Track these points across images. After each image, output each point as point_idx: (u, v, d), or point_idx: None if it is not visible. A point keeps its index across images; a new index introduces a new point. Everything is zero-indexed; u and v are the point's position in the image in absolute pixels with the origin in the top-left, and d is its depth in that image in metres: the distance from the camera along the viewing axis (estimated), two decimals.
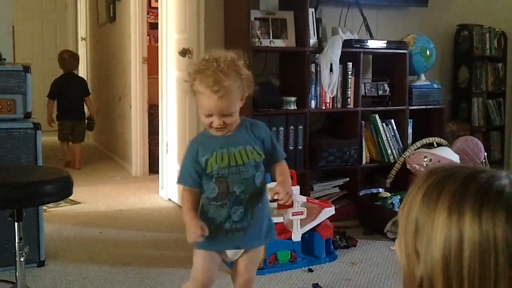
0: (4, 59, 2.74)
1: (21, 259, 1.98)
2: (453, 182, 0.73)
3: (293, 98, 3.30)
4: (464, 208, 0.71)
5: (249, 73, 1.74)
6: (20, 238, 1.99)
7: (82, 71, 7.47)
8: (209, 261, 1.80)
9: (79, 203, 3.93)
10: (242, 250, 1.82)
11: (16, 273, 1.98)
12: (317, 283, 2.49)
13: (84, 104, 5.33)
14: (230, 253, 1.82)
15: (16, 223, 1.99)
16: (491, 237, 0.69)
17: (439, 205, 0.72)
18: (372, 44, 3.52)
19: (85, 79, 5.43)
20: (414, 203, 0.76)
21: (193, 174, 1.75)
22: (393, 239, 3.03)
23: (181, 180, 1.78)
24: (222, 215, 1.76)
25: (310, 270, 2.69)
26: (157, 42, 4.42)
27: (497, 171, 0.76)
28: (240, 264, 1.84)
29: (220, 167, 1.73)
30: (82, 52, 7.40)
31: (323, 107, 3.44)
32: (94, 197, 4.11)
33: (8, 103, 2.60)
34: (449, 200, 0.72)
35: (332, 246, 2.88)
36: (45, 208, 3.45)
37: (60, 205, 3.81)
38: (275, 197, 1.78)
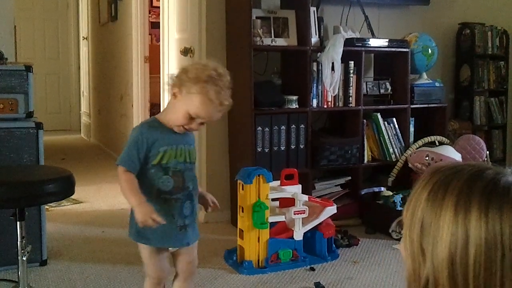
0: (6, 59, 2.74)
1: (23, 258, 1.98)
2: (458, 180, 0.73)
3: (294, 97, 3.30)
4: (470, 206, 0.70)
5: None
6: (22, 237, 1.99)
7: (84, 70, 7.49)
8: (162, 259, 1.86)
9: (81, 202, 3.94)
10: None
11: (18, 272, 1.99)
12: (319, 282, 2.49)
13: None
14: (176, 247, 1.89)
15: (18, 222, 1.99)
16: (497, 234, 0.68)
17: (445, 204, 0.72)
18: (374, 42, 3.52)
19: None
20: (419, 202, 0.75)
21: (136, 160, 1.76)
22: (398, 239, 3.03)
23: (125, 163, 1.76)
24: (176, 210, 1.79)
25: (312, 269, 2.69)
26: (159, 41, 4.43)
27: (503, 168, 0.75)
28: (186, 257, 1.89)
29: (178, 161, 1.80)
30: (84, 51, 7.41)
31: (325, 106, 3.44)
32: (96, 196, 4.12)
33: (10, 102, 2.61)
34: (455, 198, 0.71)
35: (334, 245, 2.88)
36: (47, 207, 3.46)
37: (62, 204, 3.82)
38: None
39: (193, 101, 1.72)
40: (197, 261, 1.96)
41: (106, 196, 4.14)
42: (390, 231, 3.06)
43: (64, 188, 2.05)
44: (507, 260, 0.68)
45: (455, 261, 0.70)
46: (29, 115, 2.66)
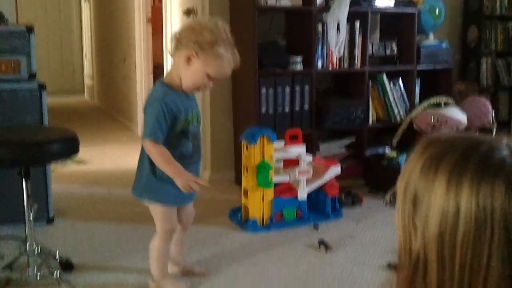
0: (7, 20, 2.71)
1: (30, 216, 2.00)
2: (452, 154, 0.71)
3: (299, 58, 3.27)
4: (462, 182, 0.68)
5: None
6: (28, 196, 2.01)
7: (86, 32, 7.42)
8: (174, 214, 1.99)
9: (86, 163, 3.96)
10: None
11: (25, 229, 2.01)
12: (322, 240, 2.52)
13: None
14: None
15: (24, 181, 2.01)
16: (488, 210, 0.67)
17: (438, 179, 0.70)
18: (380, 3, 3.45)
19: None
20: (412, 175, 0.74)
21: (164, 131, 1.82)
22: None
23: (154, 135, 1.80)
24: (193, 171, 1.89)
25: (316, 227, 2.71)
26: (161, 2, 4.37)
27: (498, 139, 0.72)
28: (188, 210, 2.09)
29: (194, 125, 1.89)
30: (86, 13, 7.33)
31: (330, 67, 3.41)
32: (101, 158, 4.14)
33: (12, 63, 2.59)
34: (448, 174, 0.70)
35: (337, 204, 2.90)
36: (53, 168, 3.48)
37: (68, 165, 3.84)
38: None
39: (211, 63, 1.80)
40: (194, 211, 2.13)
41: (111, 157, 4.16)
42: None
43: (69, 148, 2.05)
44: (496, 239, 0.67)
45: (444, 238, 0.69)
46: (32, 76, 2.64)
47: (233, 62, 1.83)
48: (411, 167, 0.75)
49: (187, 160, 1.88)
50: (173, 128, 1.82)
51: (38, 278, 2.00)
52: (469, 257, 0.68)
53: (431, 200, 0.71)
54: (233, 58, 1.83)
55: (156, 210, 1.95)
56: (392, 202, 3.00)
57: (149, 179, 1.89)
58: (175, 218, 1.98)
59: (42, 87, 2.62)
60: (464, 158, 0.70)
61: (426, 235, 0.71)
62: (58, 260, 2.17)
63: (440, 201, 0.69)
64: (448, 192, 0.69)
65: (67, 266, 2.19)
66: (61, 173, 3.68)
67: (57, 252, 2.19)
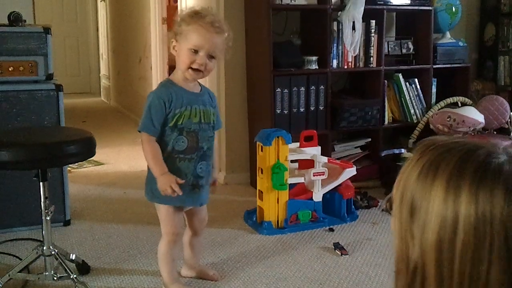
0: (25, 21, 2.74)
1: (47, 218, 2.02)
2: (449, 161, 0.70)
3: (314, 58, 3.25)
4: (460, 189, 0.67)
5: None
6: (45, 198, 2.03)
7: (102, 33, 7.47)
8: (178, 217, 1.96)
9: (102, 164, 3.99)
10: None
11: (42, 232, 2.03)
12: (338, 242, 2.51)
13: None
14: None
15: (41, 183, 2.02)
16: (487, 218, 0.65)
17: (435, 186, 0.69)
18: (396, 0, 3.43)
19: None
20: (409, 182, 0.73)
21: (158, 125, 1.83)
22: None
23: (147, 129, 1.84)
24: (189, 169, 1.87)
25: (331, 230, 2.70)
26: (176, 1, 4.38)
27: (495, 145, 0.71)
28: (199, 215, 2.06)
29: (192, 122, 1.85)
30: (102, 13, 7.38)
31: (345, 67, 3.39)
32: (117, 158, 4.16)
33: (30, 64, 2.62)
34: (446, 181, 0.68)
35: (353, 206, 2.88)
36: (69, 169, 3.51)
37: (84, 166, 3.88)
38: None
39: (188, 36, 1.79)
40: (207, 218, 2.11)
41: (127, 158, 4.18)
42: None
43: (85, 149, 2.06)
44: (495, 248, 0.65)
45: (442, 247, 0.68)
46: (49, 77, 2.67)
47: (213, 26, 1.78)
48: (407, 174, 0.74)
49: (180, 155, 1.86)
50: (167, 121, 1.84)
51: (55, 280, 2.01)
52: (469, 266, 0.66)
53: (429, 208, 0.69)
54: (212, 22, 1.78)
55: (160, 210, 1.95)
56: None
57: (150, 177, 1.89)
58: (180, 221, 1.96)
59: (59, 88, 2.64)
60: (462, 165, 0.69)
61: (424, 244, 0.70)
62: (74, 262, 2.19)
63: (439, 209, 0.68)
64: (447, 199, 0.68)
65: (83, 268, 2.21)
66: (77, 173, 3.71)
67: (74, 254, 2.21)
